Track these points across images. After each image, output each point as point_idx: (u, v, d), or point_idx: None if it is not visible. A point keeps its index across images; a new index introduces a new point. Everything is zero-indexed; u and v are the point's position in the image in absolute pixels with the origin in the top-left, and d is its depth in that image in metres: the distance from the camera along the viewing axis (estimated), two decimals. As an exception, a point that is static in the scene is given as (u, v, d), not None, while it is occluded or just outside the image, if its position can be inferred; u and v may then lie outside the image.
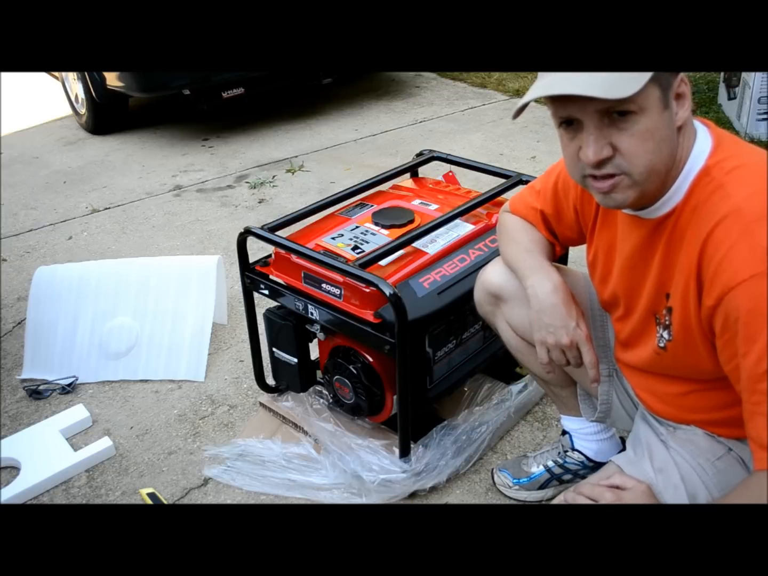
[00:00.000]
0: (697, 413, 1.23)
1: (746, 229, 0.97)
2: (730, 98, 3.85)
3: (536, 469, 1.69)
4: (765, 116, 3.49)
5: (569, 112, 1.03)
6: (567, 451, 1.65)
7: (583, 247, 1.39)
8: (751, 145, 1.12)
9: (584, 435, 1.62)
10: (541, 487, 1.68)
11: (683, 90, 1.04)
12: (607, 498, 1.18)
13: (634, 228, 1.18)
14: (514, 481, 1.69)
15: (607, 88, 0.96)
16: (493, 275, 1.49)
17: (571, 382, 1.53)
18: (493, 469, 1.75)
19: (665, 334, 1.15)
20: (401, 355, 1.55)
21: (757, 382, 0.96)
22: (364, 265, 1.59)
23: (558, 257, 1.46)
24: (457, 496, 1.72)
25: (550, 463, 1.67)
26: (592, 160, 1.03)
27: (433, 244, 1.75)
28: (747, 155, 1.08)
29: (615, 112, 0.99)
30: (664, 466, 1.22)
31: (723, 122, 3.78)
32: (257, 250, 2.20)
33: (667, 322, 1.14)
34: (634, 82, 0.96)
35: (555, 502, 1.63)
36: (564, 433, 1.66)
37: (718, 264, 1.00)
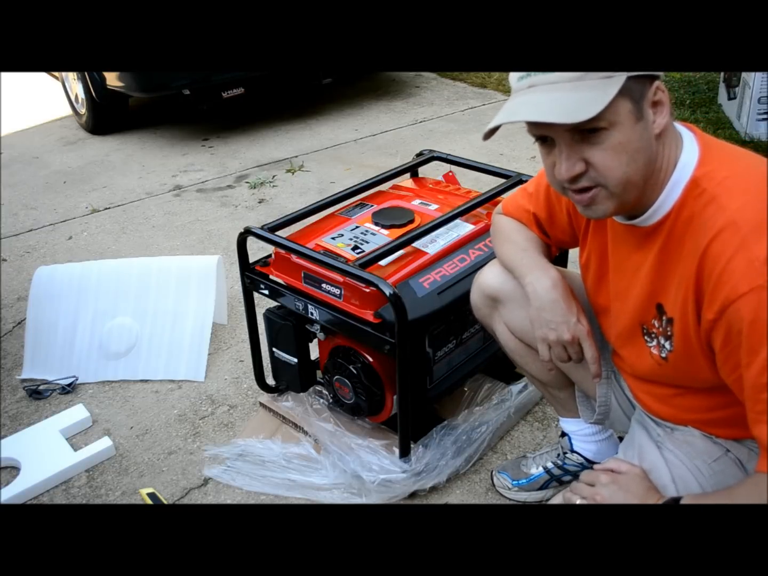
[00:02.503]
0: (694, 413, 1.23)
1: (743, 242, 0.98)
2: (730, 98, 3.85)
3: (535, 470, 1.69)
4: (765, 116, 3.49)
5: (540, 132, 1.05)
6: (566, 453, 1.65)
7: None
8: (738, 149, 1.12)
9: (583, 436, 1.61)
10: (541, 488, 1.68)
11: (660, 97, 1.03)
12: (603, 480, 1.19)
13: (625, 235, 1.18)
14: (513, 482, 1.69)
15: (567, 112, 0.97)
16: (490, 277, 1.48)
17: (569, 383, 1.53)
18: (492, 471, 1.75)
19: (667, 345, 1.15)
20: (401, 355, 1.55)
21: (760, 392, 0.98)
22: (364, 265, 1.59)
23: (553, 258, 1.46)
24: (457, 496, 1.72)
25: (550, 465, 1.67)
26: (565, 177, 1.04)
27: (433, 244, 1.75)
28: (735, 162, 1.08)
29: (584, 130, 1.00)
30: (652, 467, 1.22)
31: (723, 122, 3.78)
32: (257, 250, 2.20)
33: (668, 333, 1.14)
34: (595, 103, 0.96)
35: (553, 502, 1.63)
36: (563, 435, 1.66)
37: (717, 278, 1.00)
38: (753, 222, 0.98)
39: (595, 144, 1.01)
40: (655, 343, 1.18)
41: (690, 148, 1.08)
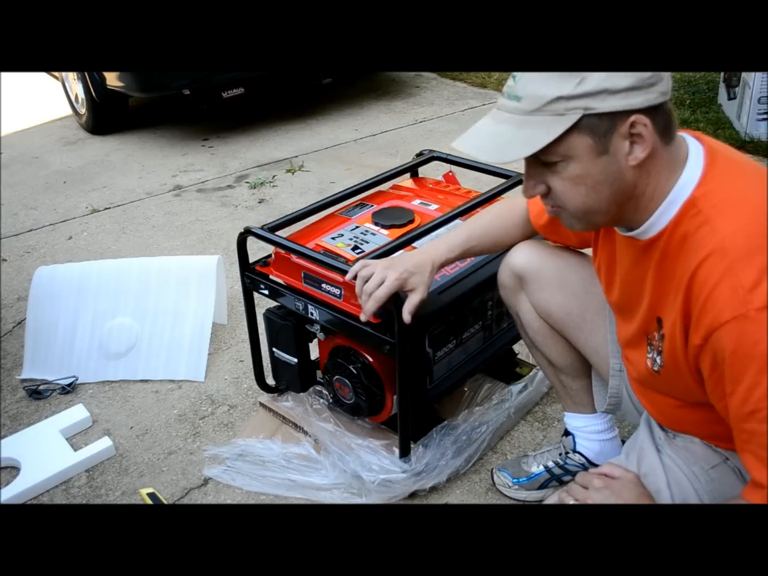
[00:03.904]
0: (691, 426, 1.23)
1: (729, 268, 0.95)
2: (730, 98, 3.85)
3: (536, 468, 1.69)
4: (765, 116, 3.49)
5: None
6: (568, 452, 1.65)
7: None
8: (746, 163, 1.09)
9: (588, 434, 1.62)
10: (541, 486, 1.68)
11: (639, 130, 0.98)
12: (596, 484, 1.19)
13: (628, 246, 1.18)
14: (514, 480, 1.69)
15: (495, 151, 1.01)
16: (518, 256, 1.50)
17: (584, 373, 1.53)
18: (492, 470, 1.75)
19: (658, 359, 1.15)
20: (401, 355, 1.55)
21: (742, 422, 0.97)
22: (364, 265, 1.59)
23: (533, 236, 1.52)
24: (457, 496, 1.72)
25: (551, 464, 1.67)
26: (525, 197, 1.10)
27: (433, 244, 1.75)
28: (738, 182, 1.04)
29: (541, 160, 1.02)
30: (650, 471, 1.22)
31: (723, 122, 3.78)
32: (257, 250, 2.20)
33: (660, 348, 1.13)
34: (528, 145, 0.98)
35: (548, 501, 1.63)
36: (566, 434, 1.66)
37: (703, 304, 0.99)
38: (742, 248, 0.96)
39: (555, 172, 1.02)
40: (651, 355, 1.18)
41: (694, 164, 1.05)
